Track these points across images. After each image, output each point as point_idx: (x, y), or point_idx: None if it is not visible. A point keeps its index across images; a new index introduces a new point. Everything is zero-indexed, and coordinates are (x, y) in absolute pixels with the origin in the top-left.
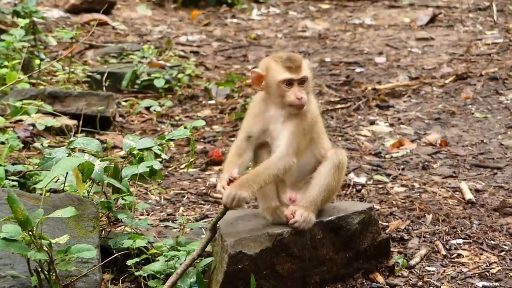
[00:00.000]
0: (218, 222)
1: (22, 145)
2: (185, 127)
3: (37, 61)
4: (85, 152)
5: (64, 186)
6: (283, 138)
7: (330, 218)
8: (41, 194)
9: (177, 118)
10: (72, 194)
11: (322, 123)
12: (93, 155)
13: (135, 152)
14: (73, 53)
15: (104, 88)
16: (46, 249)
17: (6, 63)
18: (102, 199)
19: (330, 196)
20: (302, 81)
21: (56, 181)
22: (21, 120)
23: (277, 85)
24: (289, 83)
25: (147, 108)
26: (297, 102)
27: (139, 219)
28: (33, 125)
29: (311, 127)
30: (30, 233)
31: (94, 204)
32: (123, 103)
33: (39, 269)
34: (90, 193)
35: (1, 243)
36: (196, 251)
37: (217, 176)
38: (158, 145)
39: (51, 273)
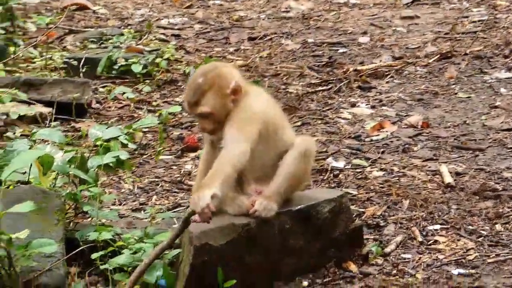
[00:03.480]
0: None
1: None
2: (160, 114)
3: (12, 48)
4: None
5: (28, 178)
6: (227, 133)
7: (299, 207)
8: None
9: (155, 103)
10: (36, 187)
11: (280, 116)
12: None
13: (98, 142)
14: (52, 39)
15: (81, 75)
16: (4, 245)
17: None
18: (68, 191)
19: (297, 185)
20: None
21: (24, 173)
22: None
23: None
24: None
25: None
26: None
27: (110, 209)
28: (7, 114)
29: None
30: None
31: (59, 196)
32: (101, 89)
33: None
34: (57, 185)
35: None
36: (164, 242)
37: (192, 163)
38: (125, 134)
39: (12, 269)
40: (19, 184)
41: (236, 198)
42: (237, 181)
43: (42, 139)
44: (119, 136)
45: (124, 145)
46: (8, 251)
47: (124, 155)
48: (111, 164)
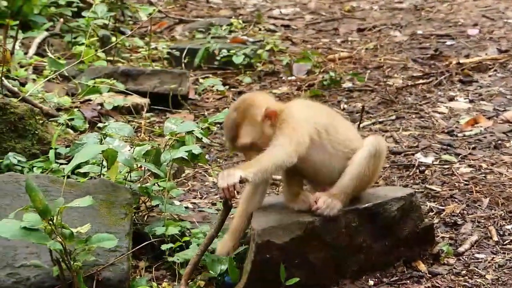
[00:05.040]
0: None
1: (87, 125)
2: None
3: (114, 38)
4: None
5: (101, 171)
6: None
7: (367, 205)
8: (77, 181)
9: None
10: (106, 180)
11: (335, 120)
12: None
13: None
14: (161, 29)
15: (183, 65)
16: (60, 239)
17: (84, 40)
18: (140, 185)
19: (364, 186)
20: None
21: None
22: (90, 100)
23: None
24: None
25: (224, 84)
26: None
27: (180, 204)
28: (102, 104)
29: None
30: (50, 222)
31: (128, 190)
32: (201, 80)
33: (60, 259)
34: (133, 178)
35: (22, 232)
36: (212, 231)
37: None
38: (201, 128)
39: (72, 263)
40: (91, 177)
41: (301, 194)
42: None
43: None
44: (193, 130)
45: (198, 139)
46: (64, 246)
47: (197, 150)
48: (186, 158)
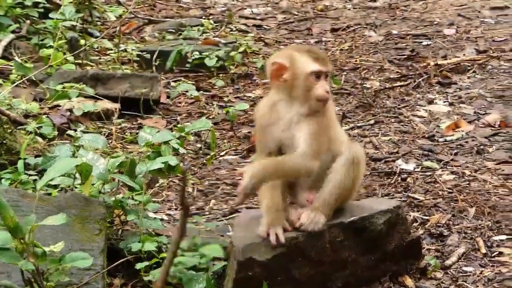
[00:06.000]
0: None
1: (56, 132)
2: (227, 112)
3: (83, 41)
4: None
5: (73, 185)
6: (304, 137)
7: (352, 218)
8: (49, 194)
9: (226, 99)
10: (79, 194)
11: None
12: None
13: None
14: (130, 30)
15: (154, 68)
16: (33, 260)
17: (52, 43)
18: (114, 198)
19: (346, 195)
20: (327, 75)
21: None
22: (59, 106)
23: (305, 77)
24: (317, 75)
25: (196, 88)
26: (326, 96)
27: (154, 218)
28: (71, 110)
29: (330, 124)
30: (21, 240)
31: (102, 204)
32: (173, 84)
33: (32, 280)
34: (106, 191)
35: None
36: (177, 233)
37: None
38: (177, 138)
39: (46, 283)
40: (62, 188)
41: (284, 210)
42: (288, 189)
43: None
44: (170, 140)
45: (175, 150)
46: (36, 266)
47: (174, 161)
48: (162, 169)
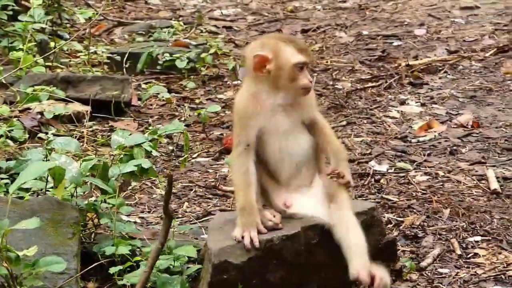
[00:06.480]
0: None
1: (27, 135)
2: (199, 114)
3: (52, 43)
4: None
5: (46, 188)
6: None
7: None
8: (21, 198)
9: (197, 101)
10: (52, 197)
11: None
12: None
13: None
14: (100, 32)
15: (124, 70)
16: (6, 264)
17: (21, 45)
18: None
19: None
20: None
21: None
22: (29, 109)
23: (290, 68)
24: (301, 66)
25: (167, 90)
26: (310, 85)
27: (128, 221)
28: (42, 113)
29: None
30: None
31: (75, 207)
32: (144, 86)
33: (6, 284)
34: (79, 194)
35: None
36: (158, 242)
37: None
38: (149, 141)
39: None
40: (34, 192)
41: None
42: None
43: None
44: (143, 142)
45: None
46: (10, 271)
47: (146, 164)
48: (135, 172)
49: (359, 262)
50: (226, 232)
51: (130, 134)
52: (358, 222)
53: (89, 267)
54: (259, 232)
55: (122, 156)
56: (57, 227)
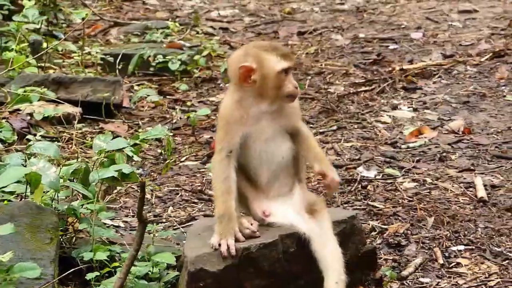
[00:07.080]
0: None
1: (16, 137)
2: (188, 117)
3: (45, 44)
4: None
5: (25, 193)
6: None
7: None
8: (2, 198)
9: (189, 103)
10: (31, 202)
11: None
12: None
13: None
14: (96, 32)
15: (117, 71)
16: None
17: (14, 46)
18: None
19: None
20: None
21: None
22: (19, 110)
23: (275, 76)
24: (286, 72)
25: (159, 92)
26: (296, 92)
27: (110, 225)
28: (31, 114)
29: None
30: None
31: (54, 212)
32: (136, 88)
33: None
34: (60, 199)
35: None
36: (133, 248)
37: None
38: (131, 146)
39: None
40: (18, 195)
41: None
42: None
43: None
44: (124, 147)
45: (129, 158)
46: None
47: (127, 169)
48: (117, 177)
49: (335, 279)
50: (204, 239)
51: (113, 138)
52: (334, 238)
53: (66, 273)
54: (236, 240)
55: (104, 160)
56: (35, 232)
